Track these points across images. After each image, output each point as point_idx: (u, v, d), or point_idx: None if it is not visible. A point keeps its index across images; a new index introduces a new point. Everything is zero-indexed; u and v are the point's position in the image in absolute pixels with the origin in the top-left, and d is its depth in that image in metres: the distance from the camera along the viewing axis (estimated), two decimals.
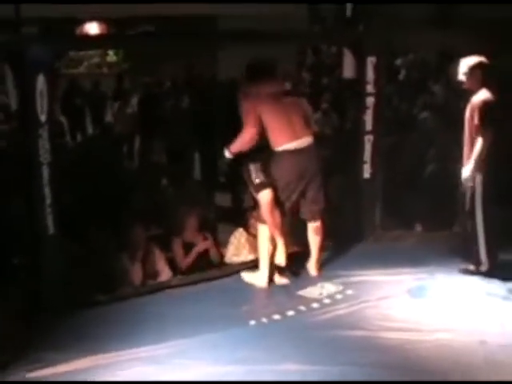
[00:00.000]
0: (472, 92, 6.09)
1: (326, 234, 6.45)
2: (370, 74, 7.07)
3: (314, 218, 6.29)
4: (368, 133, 7.16)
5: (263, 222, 6.14)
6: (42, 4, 13.78)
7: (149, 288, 6.24)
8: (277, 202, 6.14)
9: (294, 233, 6.54)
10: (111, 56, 18.47)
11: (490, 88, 6.04)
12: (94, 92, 13.63)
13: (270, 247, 6.16)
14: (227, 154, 6.18)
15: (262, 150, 6.11)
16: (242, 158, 6.24)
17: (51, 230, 5.63)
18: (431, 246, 6.96)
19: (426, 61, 14.42)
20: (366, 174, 7.23)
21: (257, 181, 6.18)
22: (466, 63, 6.12)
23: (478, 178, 6.05)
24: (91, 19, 17.00)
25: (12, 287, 5.88)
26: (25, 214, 5.76)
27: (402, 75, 14.38)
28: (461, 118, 6.16)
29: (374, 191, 7.32)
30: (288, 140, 6.01)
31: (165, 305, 5.89)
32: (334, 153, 8.46)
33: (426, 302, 5.79)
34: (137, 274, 6.38)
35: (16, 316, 5.52)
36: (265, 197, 6.14)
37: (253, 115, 5.99)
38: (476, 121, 5.96)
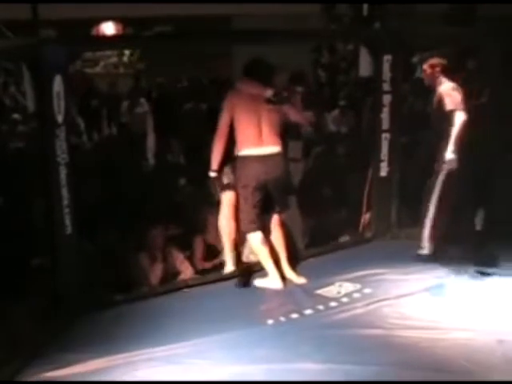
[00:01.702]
0: (433, 87, 6.60)
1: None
2: (387, 72, 7.06)
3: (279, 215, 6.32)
4: (385, 131, 7.15)
5: (245, 229, 6.18)
6: (59, 5, 13.82)
7: (167, 287, 6.26)
8: (236, 210, 6.21)
9: None
10: (127, 56, 18.49)
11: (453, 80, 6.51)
12: (111, 92, 13.65)
13: (267, 250, 6.16)
14: (212, 174, 6.20)
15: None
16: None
17: (69, 230, 5.65)
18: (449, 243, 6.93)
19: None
20: (383, 172, 7.22)
21: (224, 180, 6.24)
22: (426, 62, 6.70)
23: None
24: (107, 20, 17.03)
25: (30, 287, 5.91)
26: (43, 214, 5.79)
27: (418, 73, 14.32)
28: (478, 114, 6.21)
29: (391, 189, 7.30)
30: (253, 145, 5.97)
31: (183, 304, 5.91)
32: (350, 151, 8.45)
33: (444, 300, 5.77)
34: (155, 273, 6.40)
35: (34, 316, 5.54)
36: (226, 198, 6.26)
37: (227, 113, 5.99)
38: (447, 106, 6.37)
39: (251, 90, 6.05)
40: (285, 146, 6.33)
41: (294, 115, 6.24)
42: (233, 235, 6.39)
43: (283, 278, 6.22)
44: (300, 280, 6.27)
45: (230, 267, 6.46)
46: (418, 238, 6.60)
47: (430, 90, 6.61)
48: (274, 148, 6.03)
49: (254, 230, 6.12)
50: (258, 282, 6.27)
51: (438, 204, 6.47)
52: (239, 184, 6.09)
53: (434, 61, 6.64)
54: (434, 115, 6.58)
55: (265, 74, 6.18)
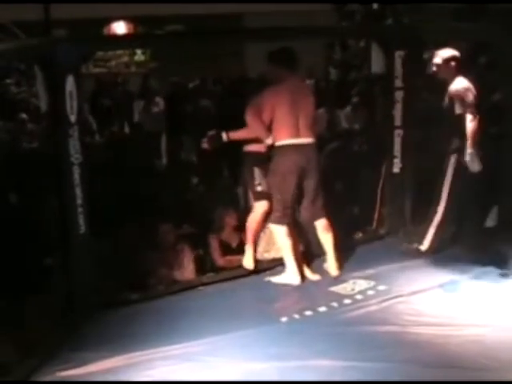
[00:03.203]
0: (446, 82, 6.38)
1: (336, 232, 6.42)
2: (399, 68, 7.04)
3: (316, 217, 6.29)
4: (397, 127, 7.13)
5: (275, 222, 6.16)
6: (70, 5, 13.86)
7: (180, 286, 6.27)
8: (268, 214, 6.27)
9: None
10: (139, 55, 18.52)
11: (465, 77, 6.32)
12: (123, 91, 13.68)
13: (290, 243, 6.16)
14: (224, 137, 6.22)
15: (268, 158, 6.16)
16: (245, 157, 6.33)
17: (83, 229, 5.67)
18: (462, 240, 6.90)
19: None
20: (396, 169, 7.20)
21: (258, 188, 6.31)
22: (440, 55, 6.42)
23: (453, 159, 6.33)
24: (119, 19, 17.07)
25: (44, 287, 5.93)
26: (56, 213, 5.81)
27: (430, 68, 14.28)
28: (491, 111, 6.17)
29: (404, 185, 7.28)
30: (291, 136, 6.03)
31: (196, 302, 5.91)
32: (363, 148, 8.43)
33: (458, 296, 5.75)
34: (168, 272, 6.41)
35: (49, 315, 5.56)
36: (260, 207, 6.32)
37: (268, 106, 6.01)
38: (458, 109, 6.24)
39: (287, 81, 6.09)
40: None
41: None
42: (257, 238, 6.49)
43: (302, 275, 6.22)
44: (314, 277, 6.27)
45: (248, 263, 6.49)
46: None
47: (443, 85, 6.49)
48: (309, 139, 6.10)
49: (283, 223, 6.12)
50: (276, 279, 6.25)
51: (447, 201, 6.41)
52: (276, 173, 6.11)
53: (448, 54, 6.42)
54: (446, 114, 6.45)
55: (293, 62, 6.24)
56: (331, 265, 6.34)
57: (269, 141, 6.08)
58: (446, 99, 6.41)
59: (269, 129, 6.06)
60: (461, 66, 6.41)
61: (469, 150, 6.23)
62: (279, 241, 6.25)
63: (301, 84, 6.45)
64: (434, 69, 6.52)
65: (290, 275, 6.18)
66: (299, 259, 6.26)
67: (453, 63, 6.40)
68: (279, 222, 6.15)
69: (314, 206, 6.23)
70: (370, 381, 4.50)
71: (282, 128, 6.03)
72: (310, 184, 6.16)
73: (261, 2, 15.31)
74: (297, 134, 6.04)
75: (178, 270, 6.48)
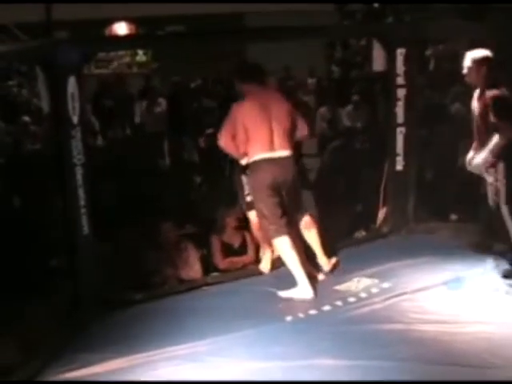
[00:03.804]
0: (475, 87, 5.95)
1: (321, 227, 6.36)
2: (400, 66, 7.02)
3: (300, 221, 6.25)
4: (400, 125, 7.12)
5: (275, 236, 5.97)
6: (72, 6, 13.89)
7: (185, 286, 6.27)
8: None
9: None
10: (141, 56, 18.55)
11: (497, 83, 5.84)
12: (125, 92, 13.71)
13: (297, 255, 5.96)
14: (243, 161, 6.12)
15: None
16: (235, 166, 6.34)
17: (86, 230, 5.68)
18: (466, 237, 6.89)
19: (456, 51, 14.33)
20: (399, 167, 7.19)
21: (248, 199, 6.27)
22: (470, 57, 5.88)
23: (501, 168, 5.88)
24: (120, 20, 17.10)
25: (48, 288, 5.94)
26: (60, 215, 5.81)
27: (431, 66, 14.28)
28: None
29: (407, 183, 7.27)
30: (265, 150, 5.90)
31: (201, 302, 5.91)
32: (366, 146, 8.43)
33: (463, 293, 5.73)
34: (173, 272, 6.41)
35: (53, 317, 5.57)
36: (253, 216, 6.29)
37: (239, 125, 5.90)
38: (492, 117, 5.72)
39: (257, 95, 5.98)
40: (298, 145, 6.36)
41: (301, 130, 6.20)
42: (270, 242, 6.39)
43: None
44: (319, 276, 6.26)
45: (266, 266, 6.50)
46: (435, 232, 6.54)
47: (447, 83, 6.20)
48: (284, 152, 5.95)
49: (283, 233, 5.92)
50: (286, 294, 5.95)
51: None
52: (255, 189, 6.01)
53: (478, 55, 5.84)
54: (478, 123, 5.93)
55: (261, 76, 6.15)
56: (321, 260, 6.32)
57: (243, 161, 6.04)
58: (478, 106, 5.93)
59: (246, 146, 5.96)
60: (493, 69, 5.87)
61: (484, 154, 5.85)
62: (285, 255, 6.00)
63: (272, 96, 6.16)
64: (465, 72, 5.94)
65: (301, 290, 5.92)
66: (308, 268, 6.12)
67: (485, 66, 5.81)
68: (278, 233, 5.94)
69: (295, 215, 6.18)
70: (374, 380, 4.49)
71: (256, 143, 5.90)
72: (289, 196, 6.05)
73: (262, 2, 15.32)
74: (271, 148, 5.90)
75: (183, 270, 6.48)
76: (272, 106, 5.98)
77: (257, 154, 5.93)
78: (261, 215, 6.04)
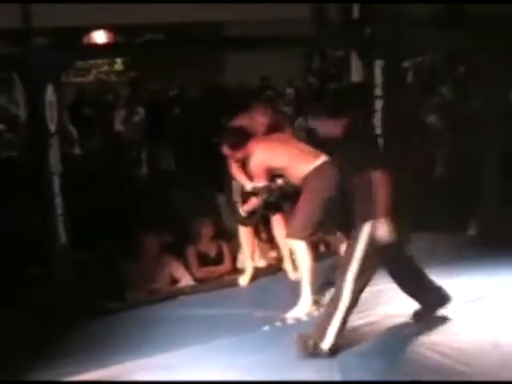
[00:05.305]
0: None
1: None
2: (379, 77, 7.06)
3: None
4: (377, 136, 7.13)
5: (296, 237, 5.69)
6: (50, 14, 13.83)
7: (162, 295, 6.25)
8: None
9: None
10: (119, 64, 18.51)
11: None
12: (103, 100, 13.68)
13: (313, 265, 5.70)
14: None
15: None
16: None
17: (63, 239, 5.65)
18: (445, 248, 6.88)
19: (434, 63, 14.41)
20: None
21: (243, 214, 6.26)
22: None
23: None
24: (99, 28, 17.04)
25: (23, 297, 5.89)
26: (36, 223, 5.78)
27: (409, 78, 14.35)
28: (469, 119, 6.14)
29: None
30: (309, 161, 5.73)
31: (178, 312, 5.88)
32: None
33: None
34: (149, 281, 6.40)
35: (26, 326, 5.52)
36: (241, 230, 6.31)
37: (263, 165, 5.79)
38: None
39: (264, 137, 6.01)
40: None
41: None
42: (252, 247, 6.42)
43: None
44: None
45: (245, 280, 6.44)
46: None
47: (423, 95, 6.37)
48: (323, 157, 5.76)
49: (302, 238, 5.66)
50: (290, 315, 5.64)
51: None
52: (320, 192, 5.66)
53: None
54: None
55: (245, 138, 6.01)
56: (288, 266, 6.33)
57: (249, 186, 6.01)
58: None
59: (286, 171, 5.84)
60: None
61: None
62: (300, 258, 5.72)
63: (275, 123, 6.22)
64: None
65: (302, 308, 5.69)
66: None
67: None
68: (299, 235, 5.68)
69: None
70: (374, 380, 4.50)
71: (295, 163, 5.74)
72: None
73: (241, 11, 15.33)
74: (313, 157, 5.76)
75: (159, 280, 6.46)
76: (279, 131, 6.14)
77: (306, 167, 5.72)
78: (300, 209, 5.71)
